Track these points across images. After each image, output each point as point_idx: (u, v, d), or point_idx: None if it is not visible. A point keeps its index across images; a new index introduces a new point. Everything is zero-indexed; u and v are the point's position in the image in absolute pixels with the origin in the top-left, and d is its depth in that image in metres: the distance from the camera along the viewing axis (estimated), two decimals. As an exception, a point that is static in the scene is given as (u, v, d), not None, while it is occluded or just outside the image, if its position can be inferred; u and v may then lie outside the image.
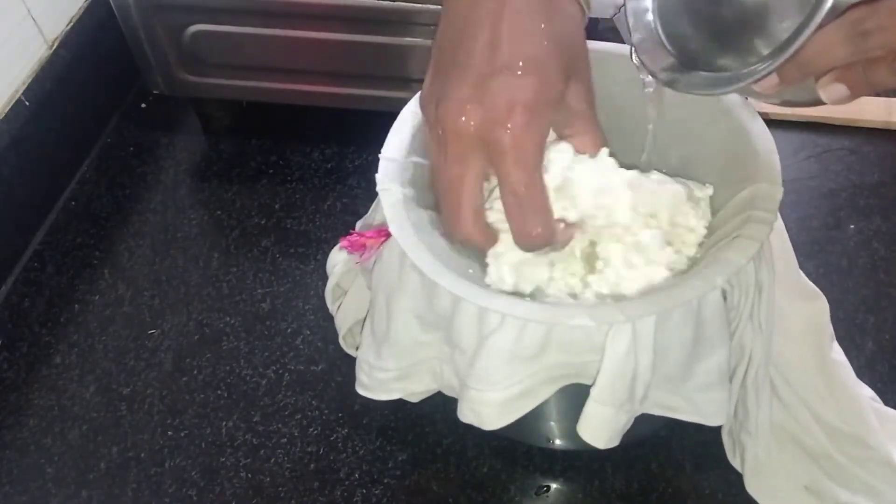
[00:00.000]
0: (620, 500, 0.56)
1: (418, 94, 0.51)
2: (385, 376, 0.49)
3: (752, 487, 0.55)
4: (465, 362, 0.45)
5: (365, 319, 0.51)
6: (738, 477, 0.56)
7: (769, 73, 0.36)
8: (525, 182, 0.40)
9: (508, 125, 0.39)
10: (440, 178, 0.42)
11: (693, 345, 0.44)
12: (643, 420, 0.47)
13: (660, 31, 0.42)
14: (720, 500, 0.56)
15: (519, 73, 0.39)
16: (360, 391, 0.52)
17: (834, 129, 0.79)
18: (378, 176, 0.47)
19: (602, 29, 0.72)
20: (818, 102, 0.37)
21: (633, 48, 0.43)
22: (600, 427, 0.45)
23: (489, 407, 0.45)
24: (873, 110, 0.79)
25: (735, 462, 0.56)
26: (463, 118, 0.40)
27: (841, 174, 0.75)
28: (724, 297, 0.45)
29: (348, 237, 0.50)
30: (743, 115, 0.50)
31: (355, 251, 0.50)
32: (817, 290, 0.53)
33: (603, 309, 0.42)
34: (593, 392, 0.43)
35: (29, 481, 0.59)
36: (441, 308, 0.44)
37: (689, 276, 0.44)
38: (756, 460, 0.53)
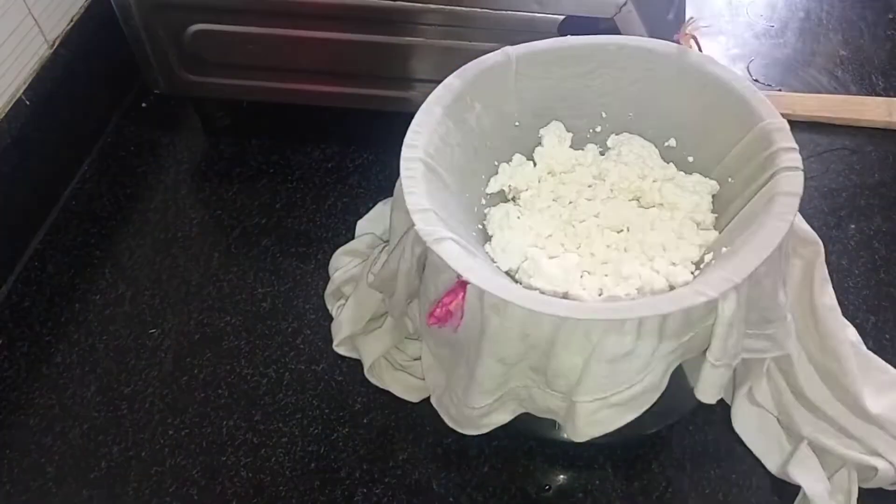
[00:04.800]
0: (620, 499, 0.56)
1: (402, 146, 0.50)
2: (473, 413, 0.50)
3: (735, 417, 0.57)
4: (571, 383, 0.45)
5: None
6: (738, 477, 0.56)
7: None
8: None
9: None
10: None
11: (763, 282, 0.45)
12: (641, 418, 0.47)
13: None
14: (720, 500, 0.56)
15: None
16: (448, 422, 0.52)
17: (835, 129, 0.79)
18: (421, 230, 0.46)
19: (602, 28, 0.72)
20: None
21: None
22: (718, 387, 0.46)
23: (610, 409, 0.46)
24: (874, 110, 0.79)
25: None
26: None
27: (842, 174, 0.75)
28: None
29: (433, 314, 0.46)
30: (711, 67, 0.52)
31: (447, 322, 0.46)
32: (815, 234, 0.54)
33: (714, 280, 0.42)
34: (710, 357, 0.44)
35: (29, 481, 0.59)
36: (541, 334, 0.44)
37: (761, 220, 0.44)
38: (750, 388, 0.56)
